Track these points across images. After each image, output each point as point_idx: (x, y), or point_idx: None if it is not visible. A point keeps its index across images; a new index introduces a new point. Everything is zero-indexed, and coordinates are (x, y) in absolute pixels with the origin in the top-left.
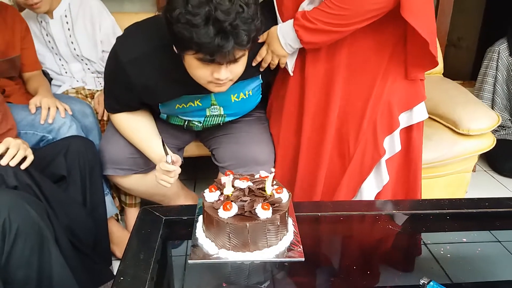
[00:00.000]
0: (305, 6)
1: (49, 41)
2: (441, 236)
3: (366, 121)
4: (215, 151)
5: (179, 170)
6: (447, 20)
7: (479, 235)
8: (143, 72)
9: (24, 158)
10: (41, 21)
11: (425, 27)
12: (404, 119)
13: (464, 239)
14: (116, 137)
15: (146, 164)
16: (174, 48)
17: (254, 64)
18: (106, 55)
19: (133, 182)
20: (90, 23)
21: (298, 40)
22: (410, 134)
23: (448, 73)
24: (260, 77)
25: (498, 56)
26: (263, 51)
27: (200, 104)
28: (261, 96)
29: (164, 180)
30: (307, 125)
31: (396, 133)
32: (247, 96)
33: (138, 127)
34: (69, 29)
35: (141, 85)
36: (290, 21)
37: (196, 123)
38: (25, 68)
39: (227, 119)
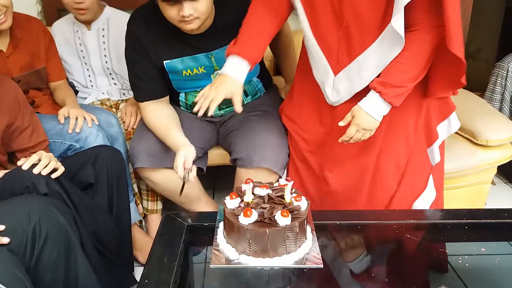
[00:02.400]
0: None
1: (82, 50)
2: (460, 247)
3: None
4: (232, 147)
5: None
6: (465, 33)
7: (497, 245)
8: (146, 24)
9: (55, 170)
10: (77, 31)
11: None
12: (445, 130)
13: (483, 249)
14: (148, 134)
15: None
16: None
17: (340, 141)
18: None
19: (162, 177)
20: (122, 39)
21: (389, 106)
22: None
23: (467, 85)
24: None
25: (507, 74)
26: (352, 132)
27: (205, 71)
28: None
29: (179, 172)
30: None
31: (436, 145)
32: None
33: (162, 117)
34: (104, 42)
35: (147, 39)
36: (374, 96)
37: None
38: (50, 77)
39: None
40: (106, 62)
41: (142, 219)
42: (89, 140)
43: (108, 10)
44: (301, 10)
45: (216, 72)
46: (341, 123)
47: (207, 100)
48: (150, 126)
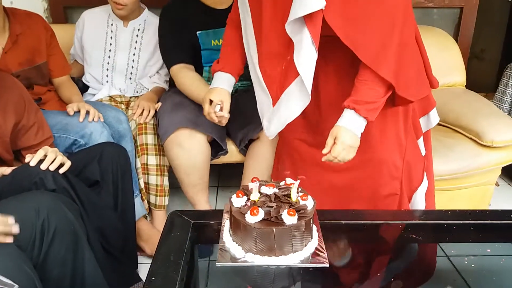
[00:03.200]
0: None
1: (111, 44)
2: (465, 247)
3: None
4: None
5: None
6: (470, 33)
7: (503, 246)
8: (179, 8)
9: (61, 165)
10: (112, 24)
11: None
12: (424, 124)
13: (488, 250)
14: (180, 106)
15: (210, 130)
16: None
17: (324, 159)
18: (157, 74)
19: (196, 143)
20: (154, 44)
21: (365, 121)
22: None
23: (471, 85)
24: None
25: None
26: (338, 150)
27: None
28: None
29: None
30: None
31: (421, 140)
32: None
33: (196, 75)
34: (136, 42)
35: (184, 15)
36: (349, 113)
37: None
38: (54, 73)
39: None
40: (133, 61)
41: (147, 215)
42: (94, 136)
43: (147, 12)
44: (252, 42)
45: None
46: (325, 150)
47: (209, 116)
48: (186, 85)
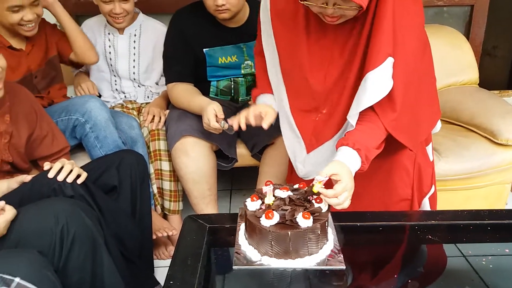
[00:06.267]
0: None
1: (110, 52)
2: (483, 247)
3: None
4: (252, 139)
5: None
6: (482, 31)
7: None
8: (189, 19)
9: (78, 176)
10: (109, 33)
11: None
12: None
13: (507, 250)
14: (187, 116)
15: (215, 139)
16: None
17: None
18: (162, 77)
19: (201, 151)
20: (152, 47)
21: (358, 167)
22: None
23: (484, 83)
24: None
25: None
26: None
27: (237, 60)
28: None
29: (207, 122)
30: None
31: (429, 146)
32: None
33: (187, 89)
34: (134, 48)
35: (190, 31)
36: (352, 153)
37: (240, 80)
38: (67, 50)
39: None
40: (134, 67)
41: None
42: (94, 113)
43: (142, 17)
44: (282, 89)
45: (246, 62)
46: (331, 192)
47: (247, 113)
48: (176, 101)
